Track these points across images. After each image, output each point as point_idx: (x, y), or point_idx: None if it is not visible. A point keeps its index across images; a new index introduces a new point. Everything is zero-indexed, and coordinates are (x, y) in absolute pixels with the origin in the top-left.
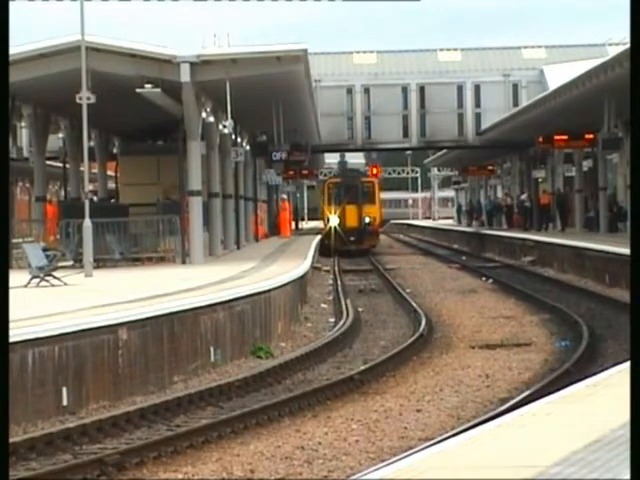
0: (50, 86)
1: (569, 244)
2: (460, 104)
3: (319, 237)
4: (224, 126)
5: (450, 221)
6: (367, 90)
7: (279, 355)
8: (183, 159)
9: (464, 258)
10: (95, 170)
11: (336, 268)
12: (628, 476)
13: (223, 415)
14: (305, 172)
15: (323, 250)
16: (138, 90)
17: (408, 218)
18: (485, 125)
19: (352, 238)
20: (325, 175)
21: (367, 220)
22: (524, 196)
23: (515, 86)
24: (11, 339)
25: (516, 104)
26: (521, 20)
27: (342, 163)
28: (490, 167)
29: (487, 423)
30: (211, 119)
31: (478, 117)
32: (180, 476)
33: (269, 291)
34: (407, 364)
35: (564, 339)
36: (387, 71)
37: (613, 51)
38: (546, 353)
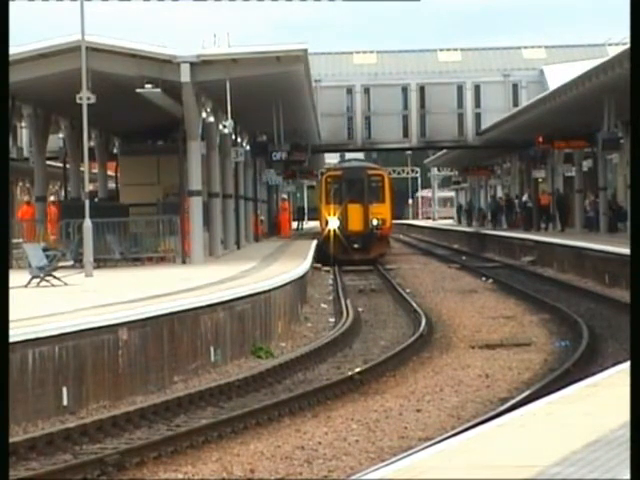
0: (50, 86)
1: (569, 244)
2: (460, 104)
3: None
4: (224, 126)
5: (450, 221)
6: (367, 90)
7: (279, 355)
8: (183, 159)
9: (464, 258)
10: (95, 170)
11: (336, 268)
12: (628, 476)
13: (223, 415)
14: (305, 172)
15: (321, 258)
16: (138, 90)
17: None
18: (485, 125)
19: (356, 245)
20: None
21: (375, 222)
22: (525, 196)
23: (515, 86)
24: (11, 339)
25: (516, 104)
26: (521, 20)
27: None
28: (490, 167)
29: (487, 423)
30: (211, 119)
31: (478, 117)
32: (180, 476)
33: (269, 291)
34: (407, 364)
35: (564, 339)
36: (387, 71)
37: (613, 51)
38: (546, 353)
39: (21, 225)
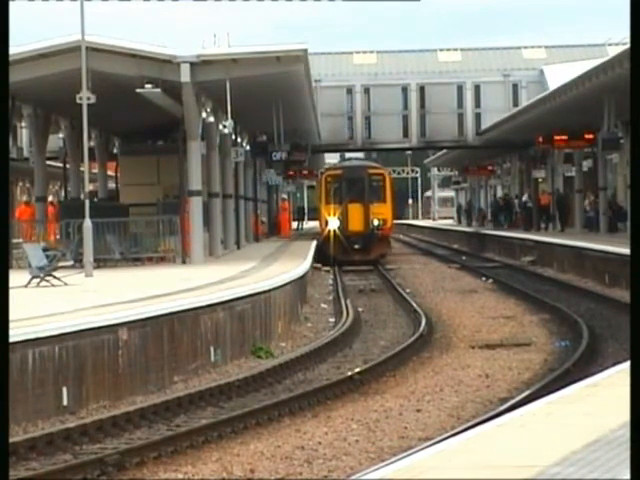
0: (50, 86)
1: (569, 244)
2: (460, 104)
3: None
4: (224, 126)
5: (450, 221)
6: (367, 90)
7: (279, 355)
8: (183, 159)
9: (464, 258)
10: (95, 170)
11: (336, 268)
12: (628, 476)
13: (223, 415)
14: (305, 172)
15: (321, 259)
16: (138, 90)
17: None
18: (485, 125)
19: (356, 246)
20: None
21: (376, 223)
22: (525, 196)
23: (515, 86)
24: (11, 339)
25: (516, 104)
26: (521, 20)
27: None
28: (490, 167)
29: (487, 423)
30: (211, 119)
31: (478, 117)
32: (180, 476)
33: (269, 291)
34: (407, 364)
35: (564, 339)
36: (387, 71)
37: (613, 51)
38: (546, 353)
39: (19, 225)
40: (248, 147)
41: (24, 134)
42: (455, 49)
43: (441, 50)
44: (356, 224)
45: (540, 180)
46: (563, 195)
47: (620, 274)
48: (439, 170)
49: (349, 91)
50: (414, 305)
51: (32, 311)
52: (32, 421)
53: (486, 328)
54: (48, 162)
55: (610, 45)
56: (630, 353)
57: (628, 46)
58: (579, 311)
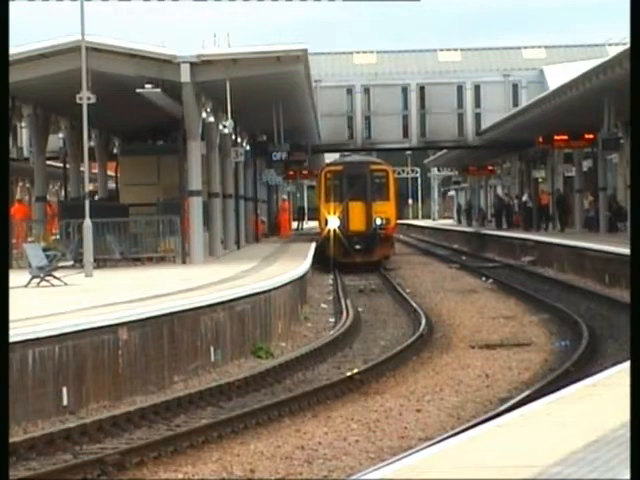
0: (50, 86)
1: (569, 244)
2: (460, 104)
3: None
4: (224, 126)
5: (450, 221)
6: (367, 90)
7: (279, 355)
8: (183, 159)
9: (464, 258)
10: (95, 170)
11: (336, 269)
12: (628, 476)
13: (223, 415)
14: (305, 172)
15: (321, 261)
16: (138, 90)
17: None
18: (485, 125)
19: (358, 247)
20: None
21: (378, 222)
22: (525, 196)
23: (515, 86)
24: (11, 339)
25: (516, 104)
26: (521, 20)
27: None
28: (490, 167)
29: (487, 423)
30: (211, 119)
31: (478, 117)
32: (180, 476)
33: (269, 291)
34: (407, 364)
35: (564, 339)
36: (387, 71)
37: (613, 51)
38: (546, 353)
39: (12, 224)
40: (248, 147)
41: (24, 134)
42: (455, 49)
43: (441, 50)
44: (357, 223)
45: (540, 180)
46: (563, 195)
47: (620, 274)
48: (439, 170)
49: (349, 91)
50: (414, 305)
51: (32, 311)
52: (32, 421)
53: (486, 328)
54: (48, 162)
55: (610, 45)
56: (630, 353)
57: (628, 46)
58: (579, 311)
